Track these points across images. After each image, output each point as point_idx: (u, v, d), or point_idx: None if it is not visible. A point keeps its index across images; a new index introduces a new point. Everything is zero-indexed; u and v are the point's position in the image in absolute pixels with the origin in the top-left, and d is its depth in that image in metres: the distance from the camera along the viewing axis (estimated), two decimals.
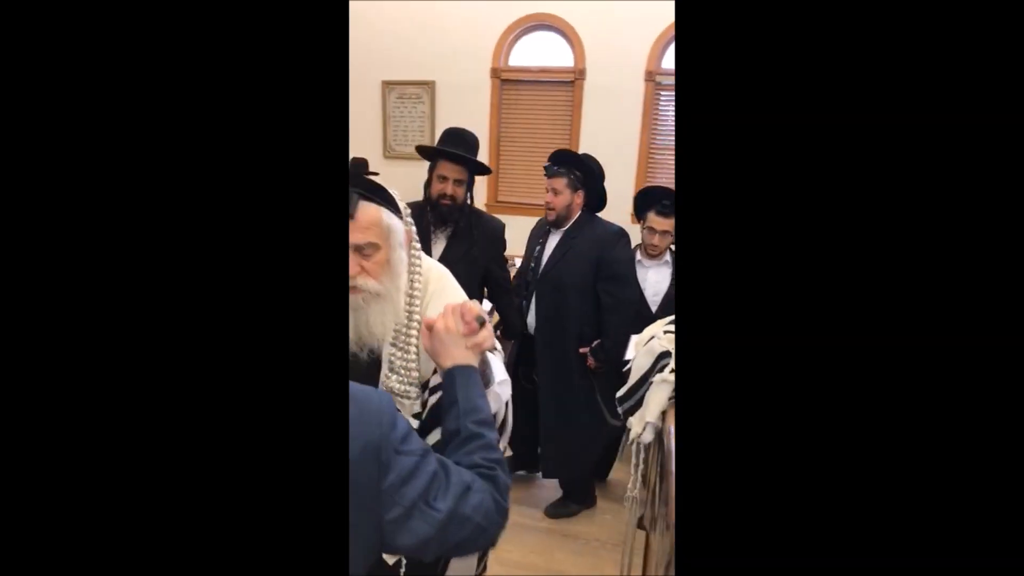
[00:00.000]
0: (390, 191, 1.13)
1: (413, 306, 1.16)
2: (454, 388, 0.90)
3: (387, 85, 4.59)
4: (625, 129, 3.99)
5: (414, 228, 1.19)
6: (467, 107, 4.34)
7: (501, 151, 4.32)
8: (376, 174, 1.12)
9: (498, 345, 1.24)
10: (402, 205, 1.14)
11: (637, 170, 4.03)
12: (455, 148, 2.16)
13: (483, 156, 2.90)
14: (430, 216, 2.21)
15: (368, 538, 0.71)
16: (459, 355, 0.93)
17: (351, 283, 1.06)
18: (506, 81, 4.23)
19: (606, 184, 2.59)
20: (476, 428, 0.85)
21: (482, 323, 0.96)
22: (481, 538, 0.77)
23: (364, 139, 4.61)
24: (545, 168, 2.51)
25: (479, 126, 4.29)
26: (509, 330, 2.55)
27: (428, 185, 2.21)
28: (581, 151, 3.06)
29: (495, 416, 1.17)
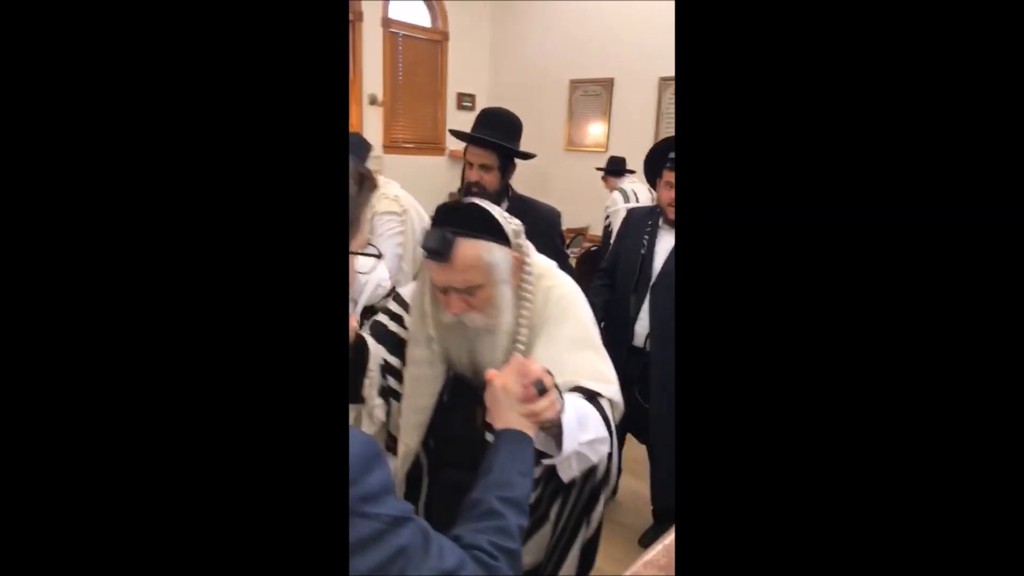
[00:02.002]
0: (492, 211, 1.03)
1: (519, 337, 1.05)
2: (493, 454, 0.80)
3: (574, 84, 5.37)
4: None
5: (530, 247, 1.09)
6: (637, 103, 4.96)
7: None
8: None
9: (579, 409, 0.95)
10: (512, 226, 1.04)
11: None
12: (483, 131, 1.91)
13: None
14: None
15: None
16: (511, 419, 0.82)
17: (458, 319, 1.02)
18: (665, 79, 4.72)
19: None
20: (499, 505, 0.74)
21: (542, 390, 0.83)
22: None
23: (551, 133, 5.48)
24: (671, 160, 2.04)
25: (647, 121, 4.91)
26: None
27: (463, 172, 2.01)
28: None
29: (594, 470, 1.06)
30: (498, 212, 1.04)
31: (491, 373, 0.85)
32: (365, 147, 2.23)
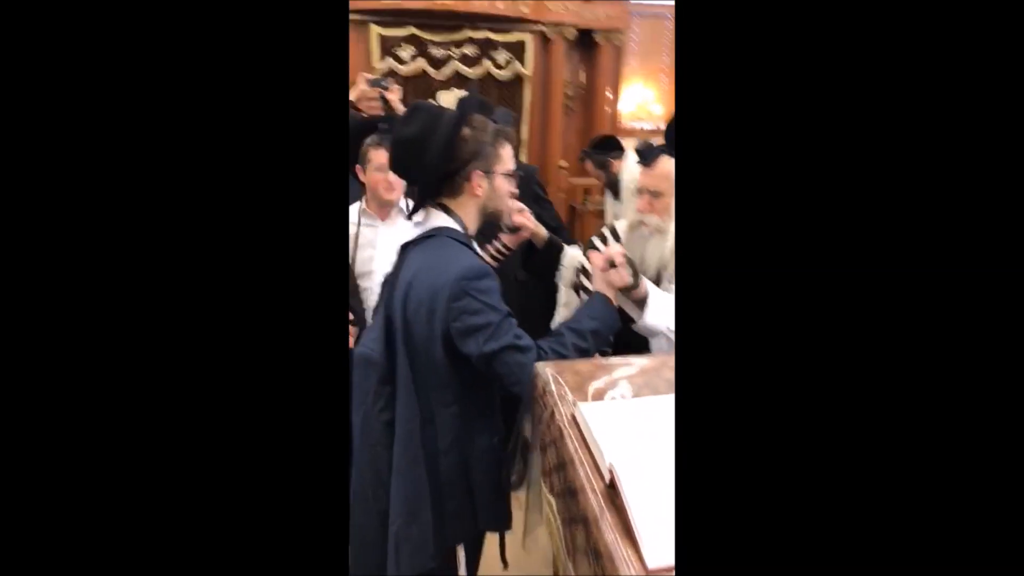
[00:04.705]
0: None
1: None
2: (581, 305, 1.29)
3: None
4: None
5: None
6: None
7: None
8: None
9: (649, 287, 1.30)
10: None
11: None
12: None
13: None
14: None
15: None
16: (598, 285, 1.25)
17: (641, 218, 1.39)
18: None
19: None
20: (564, 329, 1.18)
21: (611, 265, 1.23)
22: (517, 383, 1.09)
23: None
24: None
25: None
26: None
27: None
28: None
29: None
30: None
31: (591, 253, 1.28)
32: (509, 115, 2.85)
